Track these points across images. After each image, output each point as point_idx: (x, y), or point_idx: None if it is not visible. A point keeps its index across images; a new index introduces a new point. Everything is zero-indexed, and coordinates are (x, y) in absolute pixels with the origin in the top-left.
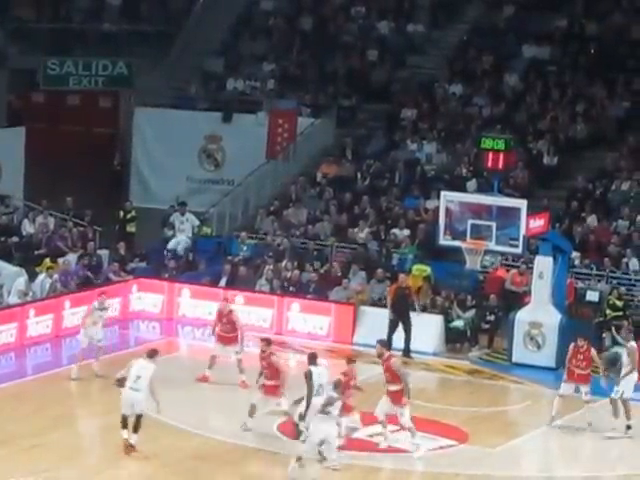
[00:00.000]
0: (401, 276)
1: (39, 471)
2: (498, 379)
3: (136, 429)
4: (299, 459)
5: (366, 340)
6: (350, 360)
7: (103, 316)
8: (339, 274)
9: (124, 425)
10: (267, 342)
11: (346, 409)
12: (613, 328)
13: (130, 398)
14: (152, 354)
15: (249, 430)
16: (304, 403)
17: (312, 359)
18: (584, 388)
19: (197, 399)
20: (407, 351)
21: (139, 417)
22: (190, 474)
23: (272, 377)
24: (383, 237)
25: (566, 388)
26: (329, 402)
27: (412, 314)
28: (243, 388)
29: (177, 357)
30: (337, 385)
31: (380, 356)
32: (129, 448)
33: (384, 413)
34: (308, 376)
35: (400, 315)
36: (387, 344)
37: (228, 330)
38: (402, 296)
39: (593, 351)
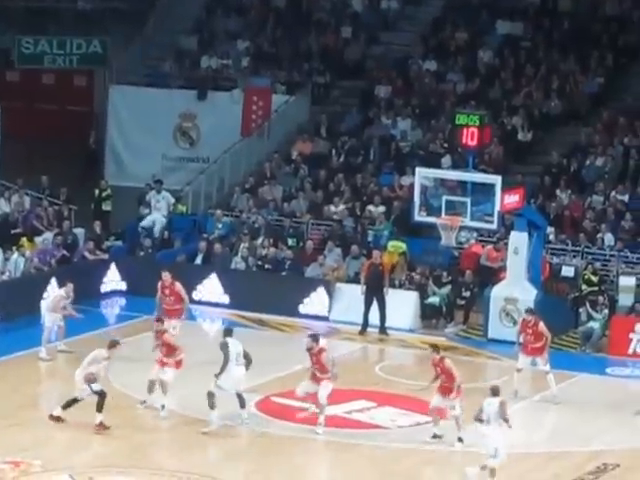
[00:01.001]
0: (375, 252)
1: (17, 450)
2: (474, 355)
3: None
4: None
5: (342, 317)
6: None
7: (67, 305)
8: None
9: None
10: (160, 321)
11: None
12: (588, 303)
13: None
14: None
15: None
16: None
17: (227, 332)
18: (540, 360)
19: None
20: (383, 328)
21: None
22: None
23: (167, 353)
24: (358, 214)
25: (523, 361)
26: None
27: (388, 292)
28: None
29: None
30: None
31: (310, 350)
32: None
33: (305, 392)
34: (224, 346)
35: (374, 292)
36: (317, 339)
37: (172, 302)
38: (376, 273)
39: (541, 325)
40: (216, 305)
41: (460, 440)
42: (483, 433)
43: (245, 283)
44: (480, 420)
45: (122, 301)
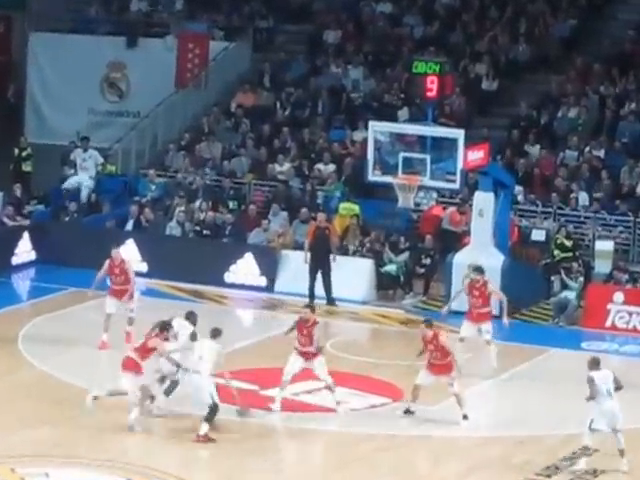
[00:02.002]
0: (320, 215)
1: None
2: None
3: None
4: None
5: (289, 288)
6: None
7: None
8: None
9: None
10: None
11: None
12: (562, 270)
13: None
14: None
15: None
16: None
17: (190, 316)
18: (485, 326)
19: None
20: (330, 299)
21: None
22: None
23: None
24: (306, 173)
25: (467, 329)
26: None
27: (336, 258)
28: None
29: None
30: None
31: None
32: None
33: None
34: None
35: (320, 259)
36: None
37: (122, 282)
38: (321, 237)
39: (491, 286)
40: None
41: (465, 417)
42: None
43: (164, 249)
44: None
45: (41, 272)
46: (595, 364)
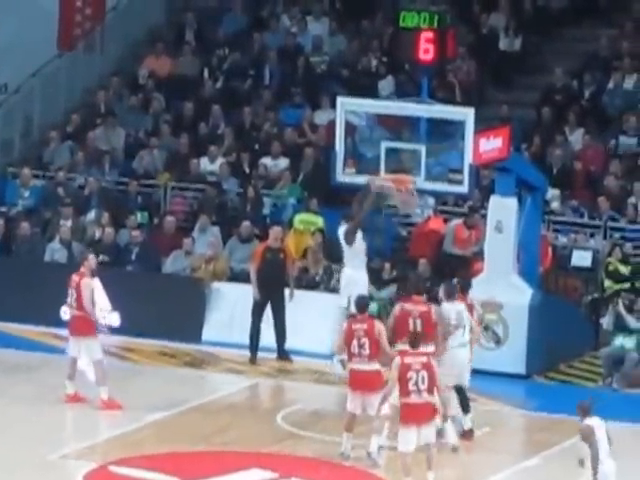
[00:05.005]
0: (273, 230)
1: None
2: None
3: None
4: None
5: (222, 336)
6: None
7: None
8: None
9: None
10: None
11: None
12: (617, 308)
13: None
14: None
15: None
16: None
17: None
18: None
19: None
20: (282, 352)
21: None
22: None
23: None
24: (247, 171)
25: None
26: None
27: (293, 293)
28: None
29: None
30: None
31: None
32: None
33: None
34: None
35: (270, 294)
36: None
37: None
38: (273, 263)
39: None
40: None
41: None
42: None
43: (40, 282)
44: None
45: None
46: (590, 409)
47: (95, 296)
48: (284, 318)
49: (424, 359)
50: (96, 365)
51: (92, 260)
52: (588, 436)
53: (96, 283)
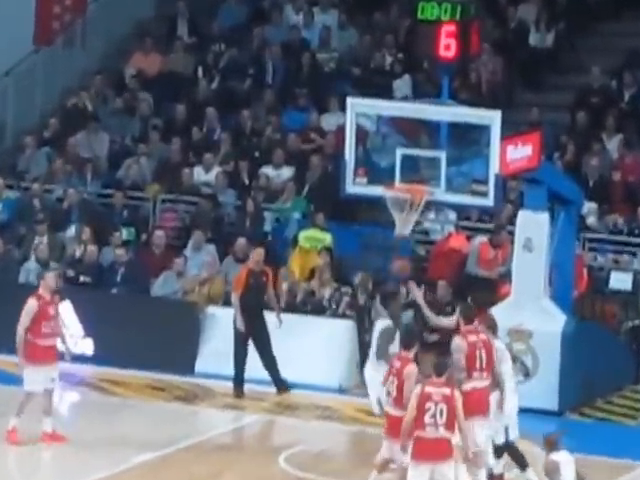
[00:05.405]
0: (256, 252)
1: None
2: None
3: None
4: None
5: (218, 367)
6: None
7: None
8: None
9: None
10: None
11: None
12: None
13: None
14: None
15: None
16: None
17: None
18: None
19: None
20: (279, 381)
21: None
22: None
23: None
24: (246, 182)
25: None
26: None
27: (281, 319)
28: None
29: None
30: None
31: None
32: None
33: None
34: None
35: (251, 321)
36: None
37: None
38: (256, 288)
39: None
40: None
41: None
42: None
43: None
44: None
45: None
46: (557, 443)
47: (66, 320)
48: (271, 347)
49: (447, 391)
50: (28, 397)
51: (50, 279)
52: (552, 472)
53: (66, 305)
